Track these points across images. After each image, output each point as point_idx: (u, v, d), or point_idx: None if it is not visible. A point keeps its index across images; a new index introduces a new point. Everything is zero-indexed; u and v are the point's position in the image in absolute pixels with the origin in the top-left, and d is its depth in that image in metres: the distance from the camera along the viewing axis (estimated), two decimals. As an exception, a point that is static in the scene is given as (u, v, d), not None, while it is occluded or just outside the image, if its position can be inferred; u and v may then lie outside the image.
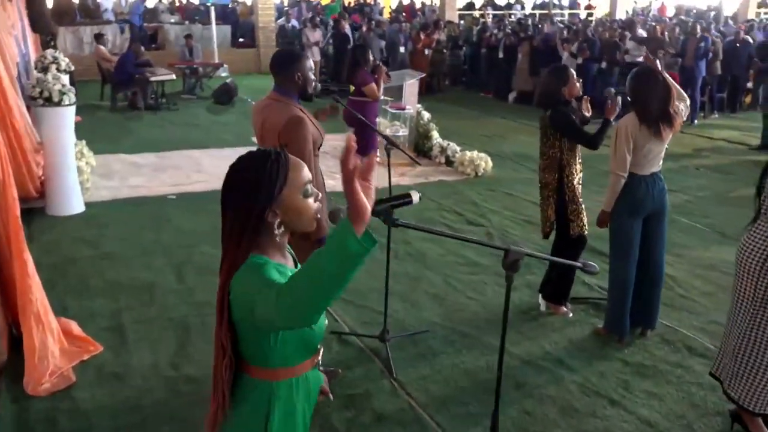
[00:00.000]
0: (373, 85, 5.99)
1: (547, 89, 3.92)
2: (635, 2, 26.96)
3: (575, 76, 3.91)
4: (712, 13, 25.26)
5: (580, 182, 4.05)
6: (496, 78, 13.78)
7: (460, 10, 19.83)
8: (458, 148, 8.09)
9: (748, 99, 12.68)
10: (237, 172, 1.49)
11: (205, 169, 7.60)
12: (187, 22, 17.50)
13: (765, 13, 23.50)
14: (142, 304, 4.20)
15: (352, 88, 3.50)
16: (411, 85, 8.10)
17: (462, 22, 17.75)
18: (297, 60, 3.01)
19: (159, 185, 6.93)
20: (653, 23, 13.32)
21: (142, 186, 6.88)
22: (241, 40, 17.83)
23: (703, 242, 5.60)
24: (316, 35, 13.58)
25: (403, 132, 8.05)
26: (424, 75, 8.27)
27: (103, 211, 6.02)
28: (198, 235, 5.45)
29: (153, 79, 11.23)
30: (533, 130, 10.97)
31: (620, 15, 20.48)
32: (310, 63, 3.06)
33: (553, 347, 3.82)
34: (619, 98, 3.89)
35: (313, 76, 3.09)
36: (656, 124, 3.51)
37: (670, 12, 25.13)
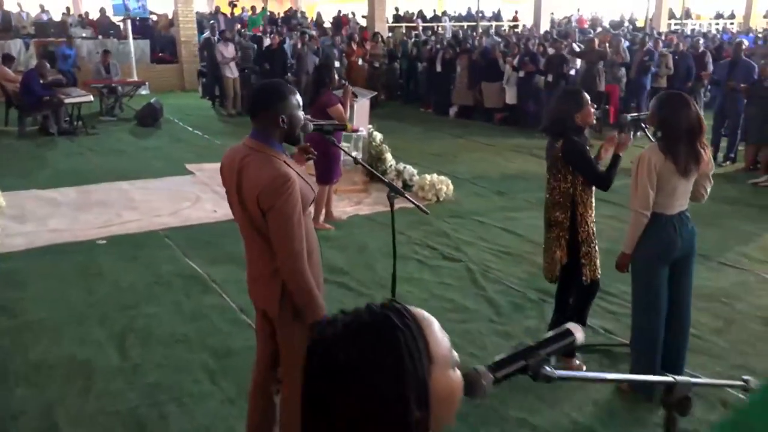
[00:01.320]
0: (341, 106, 5.42)
1: (558, 115, 3.45)
2: (552, 13, 27.62)
3: (590, 100, 3.47)
4: (627, 24, 26.26)
5: (594, 220, 3.61)
6: (436, 92, 13.47)
7: (389, 23, 19.52)
8: (415, 171, 7.59)
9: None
10: (350, 374, 0.84)
11: (138, 204, 6.71)
12: (100, 37, 16.22)
13: (675, 24, 24.58)
14: (78, 392, 3.39)
15: (350, 126, 2.90)
16: (362, 104, 7.53)
17: (391, 34, 17.40)
18: (281, 98, 2.36)
19: (84, 227, 6.00)
20: (589, 35, 13.41)
21: (65, 229, 5.93)
22: (161, 55, 16.74)
23: (716, 276, 5.28)
24: (230, 50, 12.81)
25: (356, 155, 7.45)
26: (375, 93, 7.71)
27: (18, 265, 5.08)
28: (138, 291, 4.64)
29: (68, 101, 10.11)
30: (483, 147, 10.81)
31: (544, 27, 20.78)
32: (298, 99, 2.44)
33: (580, 413, 3.33)
34: (635, 125, 3.49)
35: (302, 115, 2.46)
36: (684, 160, 3.10)
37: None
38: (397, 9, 22.47)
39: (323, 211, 6.04)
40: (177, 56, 16.50)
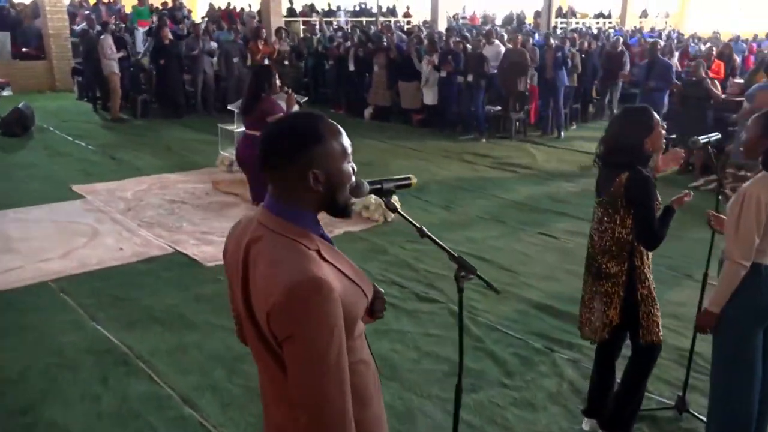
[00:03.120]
0: (282, 115, 4.48)
1: (624, 142, 2.68)
2: (447, 11, 27.52)
3: (659, 120, 2.73)
4: (521, 23, 26.69)
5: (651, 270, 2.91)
6: (348, 92, 12.58)
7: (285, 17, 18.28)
8: (355, 187, 6.67)
9: (590, 108, 12.93)
10: None
11: (16, 244, 5.27)
12: (-54, 29, 13.77)
13: (562, 23, 25.26)
14: None
15: (414, 182, 1.94)
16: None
17: (287, 30, 16.23)
18: (313, 140, 1.43)
19: (-57, 283, 4.55)
20: (503, 34, 13.04)
21: None
22: (24, 50, 14.51)
23: (682, 291, 4.81)
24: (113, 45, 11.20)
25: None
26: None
27: None
28: (33, 382, 3.39)
29: None
30: (410, 153, 10.03)
31: (441, 23, 20.42)
32: (344, 141, 1.50)
33: None
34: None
35: (350, 168, 1.53)
36: (800, 192, 2.46)
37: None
38: (291, 2, 21.23)
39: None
40: (45, 51, 14.36)
